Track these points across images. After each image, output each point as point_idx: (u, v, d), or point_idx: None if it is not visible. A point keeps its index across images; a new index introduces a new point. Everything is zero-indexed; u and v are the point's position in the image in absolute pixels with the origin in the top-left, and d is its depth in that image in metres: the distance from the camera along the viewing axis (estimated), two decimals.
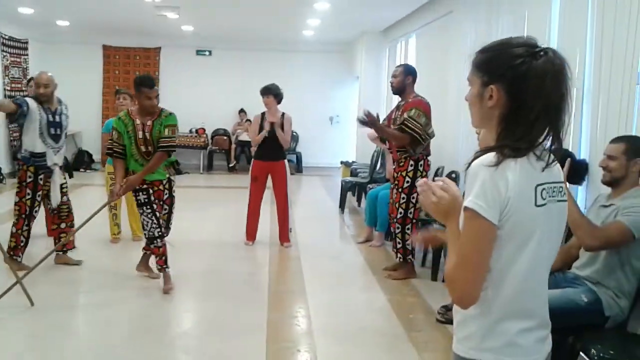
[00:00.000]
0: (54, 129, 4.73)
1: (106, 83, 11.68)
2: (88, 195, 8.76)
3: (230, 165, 11.65)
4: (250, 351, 3.55)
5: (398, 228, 4.86)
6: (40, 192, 4.77)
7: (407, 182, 4.77)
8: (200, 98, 11.68)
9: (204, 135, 11.57)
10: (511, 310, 1.44)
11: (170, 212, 4.67)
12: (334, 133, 12.23)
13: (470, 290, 1.40)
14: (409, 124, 4.63)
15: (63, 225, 4.97)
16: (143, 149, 4.35)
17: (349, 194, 8.09)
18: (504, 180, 1.37)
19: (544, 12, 4.38)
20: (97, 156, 11.51)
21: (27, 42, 10.37)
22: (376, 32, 9.95)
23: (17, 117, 4.53)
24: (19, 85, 10.06)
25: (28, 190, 4.72)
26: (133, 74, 11.73)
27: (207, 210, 7.93)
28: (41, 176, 4.74)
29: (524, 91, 1.41)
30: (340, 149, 11.72)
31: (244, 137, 11.55)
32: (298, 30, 10.18)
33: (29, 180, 4.71)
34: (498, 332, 1.44)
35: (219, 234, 6.44)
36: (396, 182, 4.88)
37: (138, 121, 4.33)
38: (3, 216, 6.85)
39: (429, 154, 4.88)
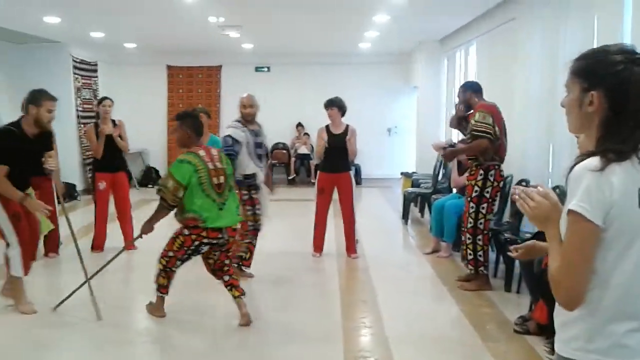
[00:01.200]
0: (259, 149, 5.05)
1: (170, 102, 12.10)
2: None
3: (290, 178, 11.82)
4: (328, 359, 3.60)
5: (469, 239, 4.81)
6: (250, 206, 5.06)
7: (476, 191, 4.72)
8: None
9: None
10: (618, 311, 1.45)
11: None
12: (393, 144, 12.22)
13: (576, 292, 1.44)
14: (477, 129, 4.62)
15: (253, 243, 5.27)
16: (215, 181, 3.85)
17: (412, 204, 8.06)
18: (609, 184, 1.41)
19: (616, 14, 4.25)
20: (163, 172, 11.94)
21: (96, 65, 10.90)
22: (434, 41, 9.92)
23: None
24: (90, 106, 10.56)
25: (248, 207, 4.99)
26: (196, 92, 12.16)
27: (270, 223, 8.02)
28: (253, 192, 5.03)
29: (625, 96, 1.45)
30: (400, 159, 11.68)
31: (303, 150, 11.72)
32: (355, 43, 10.27)
33: (244, 197, 4.93)
34: (605, 334, 1.46)
35: (285, 247, 6.52)
36: (466, 191, 4.86)
37: (201, 152, 3.85)
38: (80, 231, 7.20)
39: (502, 161, 4.81)
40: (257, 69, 12.21)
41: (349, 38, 9.69)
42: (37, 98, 4.15)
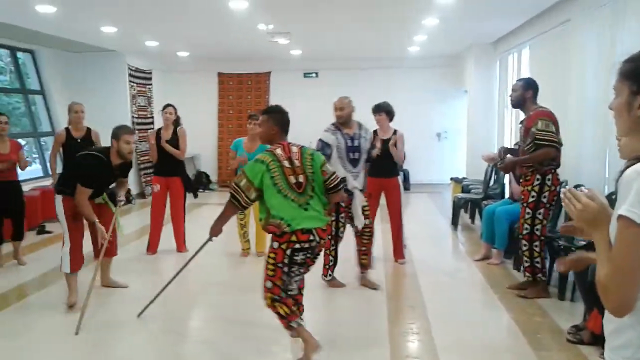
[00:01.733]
0: (353, 153, 4.88)
1: (221, 108, 12.36)
2: (206, 214, 9.28)
3: None
4: None
5: (525, 245, 4.69)
6: (343, 214, 4.89)
7: (533, 197, 4.60)
8: (307, 119, 11.93)
9: None
10: None
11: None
12: (442, 149, 12.05)
13: (626, 299, 1.39)
14: (541, 137, 4.49)
15: (364, 249, 5.10)
16: (293, 179, 3.46)
17: (462, 210, 7.93)
18: None
19: None
20: (214, 177, 12.20)
21: (151, 73, 11.25)
22: (486, 44, 9.75)
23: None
24: (145, 113, 10.92)
25: (333, 213, 4.61)
26: (245, 98, 12.36)
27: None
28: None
29: None
30: (449, 165, 11.52)
31: None
32: (404, 47, 10.21)
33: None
34: None
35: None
36: (522, 197, 4.74)
37: (278, 150, 3.52)
38: (135, 233, 7.44)
39: (558, 166, 4.67)
40: (306, 75, 12.30)
41: (398, 42, 9.64)
42: (117, 132, 4.52)
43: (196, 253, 4.13)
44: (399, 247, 5.91)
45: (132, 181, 10.26)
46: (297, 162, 3.48)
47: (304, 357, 3.47)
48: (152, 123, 10.95)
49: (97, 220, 4.48)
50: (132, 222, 8.21)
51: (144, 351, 3.89)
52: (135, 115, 10.51)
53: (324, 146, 4.82)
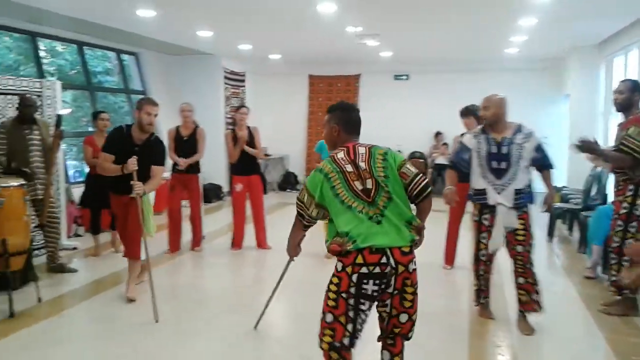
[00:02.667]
0: (497, 162, 3.96)
1: (310, 110, 12.49)
2: (293, 213, 9.39)
3: None
4: None
5: (613, 259, 4.34)
6: (484, 233, 4.10)
7: (625, 208, 4.24)
8: (397, 122, 11.85)
9: None
10: None
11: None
12: None
13: None
14: (627, 144, 4.13)
15: (519, 281, 4.07)
16: (359, 185, 2.73)
17: (559, 221, 7.48)
18: None
19: None
20: (301, 177, 12.35)
21: (244, 75, 11.59)
22: (590, 46, 9.14)
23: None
24: None
25: (484, 234, 4.11)
26: (335, 100, 12.29)
27: None
28: (486, 216, 4.07)
29: None
30: None
31: (440, 160, 11.39)
32: (499, 49, 9.81)
33: (474, 219, 4.19)
34: None
35: (417, 257, 6.36)
36: (613, 208, 4.38)
37: (339, 155, 2.83)
38: (223, 229, 7.68)
39: None
40: (396, 77, 12.15)
41: (494, 43, 9.27)
42: (139, 103, 4.45)
43: (282, 275, 4.00)
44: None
45: (223, 179, 10.61)
46: (363, 165, 2.75)
47: None
48: (234, 123, 11.25)
49: (120, 167, 4.31)
50: (221, 218, 8.53)
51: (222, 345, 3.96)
52: (228, 116, 10.85)
53: (461, 149, 4.17)
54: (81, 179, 7.99)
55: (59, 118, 5.22)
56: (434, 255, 6.01)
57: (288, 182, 12.02)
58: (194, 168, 6.40)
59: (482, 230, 4.13)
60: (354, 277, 2.59)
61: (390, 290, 2.66)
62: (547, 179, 4.10)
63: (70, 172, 8.62)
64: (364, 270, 2.58)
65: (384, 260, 2.59)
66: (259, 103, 11.36)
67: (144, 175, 4.40)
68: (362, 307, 2.61)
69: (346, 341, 2.60)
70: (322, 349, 2.66)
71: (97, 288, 5.14)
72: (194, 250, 6.48)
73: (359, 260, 2.58)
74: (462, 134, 5.71)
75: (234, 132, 6.53)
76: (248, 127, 6.54)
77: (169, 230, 6.44)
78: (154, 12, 6.60)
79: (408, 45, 9.67)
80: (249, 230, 6.69)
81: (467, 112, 5.68)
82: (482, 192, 4.05)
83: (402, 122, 11.85)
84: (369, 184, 2.72)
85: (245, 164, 6.48)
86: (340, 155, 2.80)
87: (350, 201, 2.70)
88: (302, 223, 2.96)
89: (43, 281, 5.07)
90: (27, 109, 5.03)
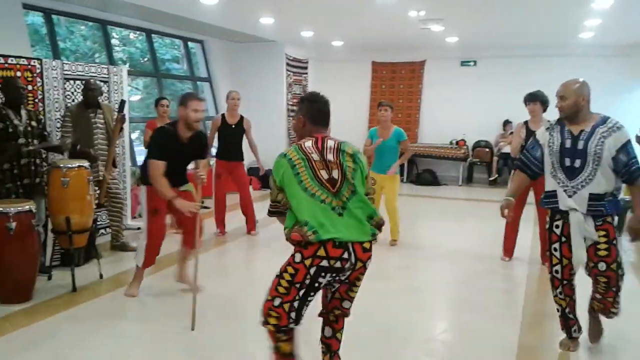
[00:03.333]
0: (571, 159, 3.26)
1: (373, 97, 12.36)
2: None
3: (491, 178, 11.22)
4: None
5: None
6: (556, 244, 3.40)
7: None
8: (462, 109, 11.53)
9: (464, 147, 11.38)
10: None
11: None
12: None
13: None
14: None
15: (597, 296, 3.44)
16: (325, 174, 2.71)
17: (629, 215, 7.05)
18: None
19: None
20: None
21: (307, 62, 11.61)
22: None
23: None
24: None
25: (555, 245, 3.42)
26: (398, 87, 12.22)
27: (464, 223, 7.81)
28: (558, 223, 3.38)
29: None
30: None
31: (507, 149, 11.01)
32: (573, 33, 9.29)
33: (545, 226, 3.54)
34: None
35: (475, 247, 6.23)
36: None
37: (307, 143, 2.79)
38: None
39: None
40: (463, 63, 11.79)
41: (566, 27, 8.78)
42: (184, 99, 4.14)
43: None
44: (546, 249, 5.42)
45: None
46: (331, 157, 2.73)
47: None
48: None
49: (176, 196, 4.02)
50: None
51: None
52: (290, 103, 10.94)
53: (534, 145, 3.53)
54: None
55: (122, 103, 5.42)
56: (493, 247, 5.86)
57: None
58: (238, 155, 6.49)
59: (554, 239, 3.40)
60: (312, 270, 2.60)
61: (344, 282, 2.74)
62: (635, 195, 3.21)
63: (140, 157, 8.94)
64: (324, 263, 2.59)
65: (345, 255, 2.60)
66: (321, 90, 11.31)
67: (184, 173, 4.39)
68: (311, 297, 2.69)
69: (292, 324, 2.69)
70: (268, 329, 2.72)
71: (156, 266, 5.31)
72: (250, 234, 6.60)
73: (321, 252, 2.58)
74: (525, 122, 5.51)
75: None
76: None
77: (216, 214, 6.65)
78: None
79: (475, 30, 9.35)
80: None
81: (532, 98, 5.45)
82: (552, 195, 3.36)
83: (468, 110, 11.51)
84: (336, 174, 2.71)
85: None
86: (308, 144, 2.78)
87: (314, 189, 2.68)
88: (271, 211, 2.90)
89: (106, 259, 5.31)
90: (90, 93, 5.24)
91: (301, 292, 2.65)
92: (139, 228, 6.73)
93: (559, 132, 3.34)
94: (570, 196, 3.27)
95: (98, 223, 5.84)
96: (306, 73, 11.62)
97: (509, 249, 5.64)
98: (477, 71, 11.65)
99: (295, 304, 2.65)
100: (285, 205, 2.77)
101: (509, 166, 10.90)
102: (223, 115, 6.55)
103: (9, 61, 5.04)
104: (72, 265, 4.60)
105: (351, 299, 2.86)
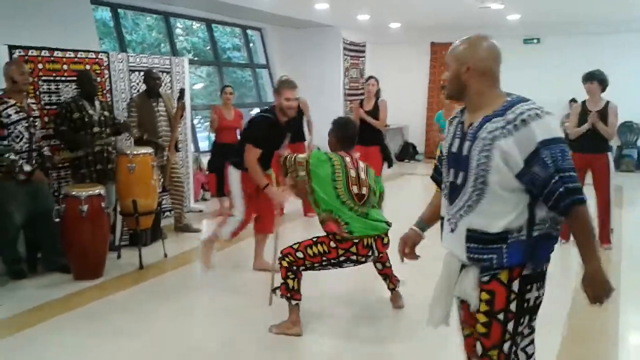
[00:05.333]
0: (454, 170, 2.00)
1: (432, 79, 12.22)
2: (410, 183, 9.47)
3: None
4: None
5: None
6: None
7: None
8: (525, 89, 10.90)
9: None
10: None
11: None
12: None
13: None
14: None
15: None
16: (356, 190, 3.49)
17: None
18: None
19: None
20: (420, 148, 12.20)
21: (364, 45, 11.63)
22: None
23: None
24: (357, 85, 11.37)
25: None
26: None
27: None
28: None
29: None
30: None
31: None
32: None
33: None
34: None
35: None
36: None
37: (347, 158, 3.62)
38: None
39: None
40: (525, 41, 11.44)
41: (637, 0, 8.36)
42: (278, 87, 4.32)
43: None
44: (604, 231, 5.31)
45: None
46: (363, 175, 3.53)
47: (277, 327, 3.51)
48: (363, 94, 11.34)
49: (268, 184, 4.23)
50: None
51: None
52: (347, 87, 11.01)
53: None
54: (208, 149, 8.62)
55: (182, 91, 5.69)
56: None
57: (406, 152, 11.97)
58: (301, 136, 6.60)
59: None
60: (342, 258, 3.37)
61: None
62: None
63: (205, 144, 9.28)
64: (353, 257, 3.38)
65: (370, 253, 3.41)
66: (378, 73, 11.25)
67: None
68: (329, 269, 3.54)
69: (302, 268, 3.42)
70: (280, 264, 3.45)
71: (217, 246, 5.60)
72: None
73: (353, 250, 3.34)
74: (583, 102, 5.38)
75: (360, 103, 6.64)
76: (376, 99, 6.58)
77: None
78: None
79: (538, 6, 9.04)
80: None
81: (589, 77, 5.32)
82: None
83: (531, 89, 10.75)
84: (364, 191, 3.45)
85: (365, 134, 6.50)
86: (348, 159, 3.53)
87: (345, 198, 3.38)
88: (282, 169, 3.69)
89: (170, 239, 5.64)
90: (152, 82, 5.54)
91: (324, 264, 3.42)
92: (201, 210, 7.10)
93: (455, 126, 2.07)
94: (451, 230, 2.00)
95: (162, 206, 6.19)
96: (363, 57, 11.64)
97: (565, 231, 5.54)
98: (540, 49, 11.28)
99: (315, 266, 3.43)
100: (298, 186, 3.55)
101: (572, 147, 10.57)
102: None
103: (79, 55, 5.41)
104: (139, 244, 4.94)
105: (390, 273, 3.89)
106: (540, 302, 1.93)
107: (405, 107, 11.78)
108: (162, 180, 5.73)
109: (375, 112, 6.49)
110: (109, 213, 4.87)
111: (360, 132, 6.44)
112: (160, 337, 3.58)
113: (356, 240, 3.35)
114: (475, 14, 9.21)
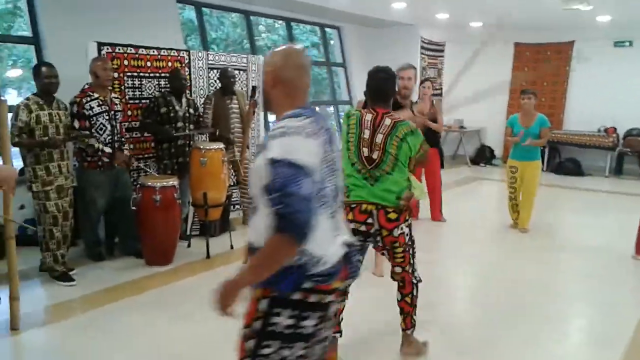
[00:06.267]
0: None
1: (514, 80, 11.82)
2: (483, 188, 9.23)
3: None
4: None
5: None
6: None
7: None
8: (614, 94, 10.60)
9: (614, 135, 10.49)
10: None
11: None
12: None
13: None
14: None
15: None
16: (366, 152, 3.10)
17: None
18: None
19: None
20: (498, 151, 11.85)
21: (444, 45, 11.44)
22: None
23: None
24: (434, 84, 11.20)
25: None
26: (542, 70, 11.56)
27: (604, 217, 7.31)
28: None
29: None
30: None
31: None
32: None
33: None
34: None
35: (609, 243, 5.87)
36: None
37: (368, 116, 3.12)
38: None
39: None
40: (617, 44, 10.81)
41: None
42: (397, 71, 4.24)
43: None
44: None
45: None
46: (380, 138, 3.03)
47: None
48: (441, 94, 11.19)
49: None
50: None
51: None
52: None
53: None
54: None
55: (253, 89, 5.89)
56: (625, 243, 5.49)
57: (482, 156, 11.62)
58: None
59: None
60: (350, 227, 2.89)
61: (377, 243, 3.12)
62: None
63: None
64: (352, 226, 2.99)
65: (370, 220, 3.03)
66: (457, 72, 11.14)
67: None
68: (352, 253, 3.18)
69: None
70: None
71: None
72: (439, 220, 6.62)
73: (350, 216, 3.02)
74: None
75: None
76: (431, 100, 6.54)
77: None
78: None
79: (630, 7, 8.54)
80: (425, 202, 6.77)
81: None
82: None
83: (621, 94, 10.56)
84: (375, 155, 3.06)
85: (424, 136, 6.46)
86: (368, 117, 3.09)
87: (354, 159, 3.10)
88: None
89: (237, 231, 5.84)
90: (226, 80, 5.77)
91: None
92: None
93: None
94: None
95: (233, 199, 6.43)
96: (442, 56, 11.47)
97: None
98: (633, 52, 10.64)
99: None
100: None
101: None
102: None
103: (162, 53, 5.73)
104: (207, 235, 5.18)
105: (398, 265, 3.17)
106: (300, 334, 1.76)
107: (484, 109, 11.53)
108: (234, 175, 5.96)
109: (432, 115, 6.43)
110: (182, 203, 5.14)
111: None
112: (224, 324, 3.73)
113: (353, 206, 3.05)
114: (561, 15, 8.82)
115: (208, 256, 5.10)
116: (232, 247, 5.41)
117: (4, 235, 3.50)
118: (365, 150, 3.06)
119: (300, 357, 1.78)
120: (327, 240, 1.79)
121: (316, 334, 1.80)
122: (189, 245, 5.41)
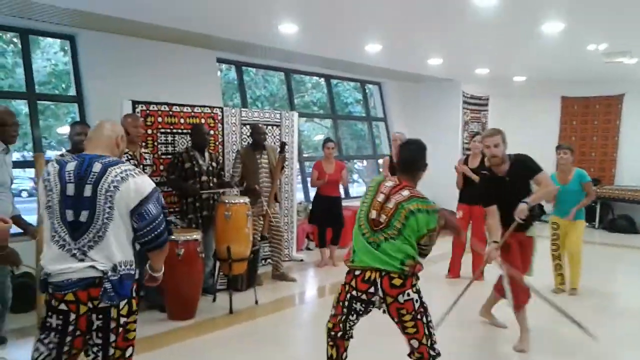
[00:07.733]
0: None
1: (562, 134, 11.49)
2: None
3: None
4: None
5: None
6: None
7: None
8: None
9: None
10: None
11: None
12: None
13: None
14: None
15: None
16: (374, 214, 3.01)
17: None
18: None
19: None
20: (547, 207, 11.36)
21: (487, 99, 11.31)
22: None
23: None
24: None
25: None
26: (591, 123, 11.23)
27: None
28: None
29: None
30: None
31: None
32: None
33: None
34: None
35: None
36: None
37: (389, 183, 3.08)
38: (437, 257, 7.61)
39: None
40: None
41: None
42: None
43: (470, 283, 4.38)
44: None
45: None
46: (391, 205, 2.94)
47: None
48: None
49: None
50: (441, 245, 8.45)
51: None
52: (466, 141, 10.73)
53: None
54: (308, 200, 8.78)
55: (282, 145, 5.96)
56: None
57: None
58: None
59: None
60: (348, 295, 2.99)
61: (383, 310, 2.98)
62: None
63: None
64: (354, 293, 2.96)
65: (371, 290, 2.91)
66: (503, 127, 10.88)
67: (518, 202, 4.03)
68: (352, 318, 3.03)
69: (339, 334, 3.05)
70: (326, 327, 3.10)
71: (308, 296, 5.70)
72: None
73: (353, 283, 2.96)
74: None
75: (466, 160, 6.47)
76: (482, 156, 6.30)
77: (453, 254, 6.57)
78: (380, 46, 7.02)
79: None
80: (467, 259, 6.52)
81: None
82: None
83: None
84: (383, 219, 2.95)
85: (469, 193, 6.27)
86: (389, 184, 3.05)
87: (362, 221, 3.03)
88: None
89: (265, 286, 5.81)
90: (257, 136, 5.88)
91: (344, 310, 3.01)
92: (302, 260, 7.24)
93: None
94: None
95: (263, 253, 6.42)
96: (486, 110, 11.32)
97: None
98: None
99: (342, 318, 3.02)
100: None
101: None
102: (390, 156, 6.68)
103: (195, 110, 5.92)
104: (230, 289, 5.16)
105: (412, 337, 2.93)
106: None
107: None
108: (262, 228, 5.98)
109: (481, 170, 6.25)
110: (206, 257, 5.16)
111: (467, 191, 6.32)
112: None
113: (357, 273, 2.96)
114: (607, 68, 8.62)
115: (231, 311, 5.06)
116: (256, 302, 5.36)
117: (34, 287, 3.57)
118: (374, 213, 2.99)
119: None
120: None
121: None
122: (214, 300, 5.39)
